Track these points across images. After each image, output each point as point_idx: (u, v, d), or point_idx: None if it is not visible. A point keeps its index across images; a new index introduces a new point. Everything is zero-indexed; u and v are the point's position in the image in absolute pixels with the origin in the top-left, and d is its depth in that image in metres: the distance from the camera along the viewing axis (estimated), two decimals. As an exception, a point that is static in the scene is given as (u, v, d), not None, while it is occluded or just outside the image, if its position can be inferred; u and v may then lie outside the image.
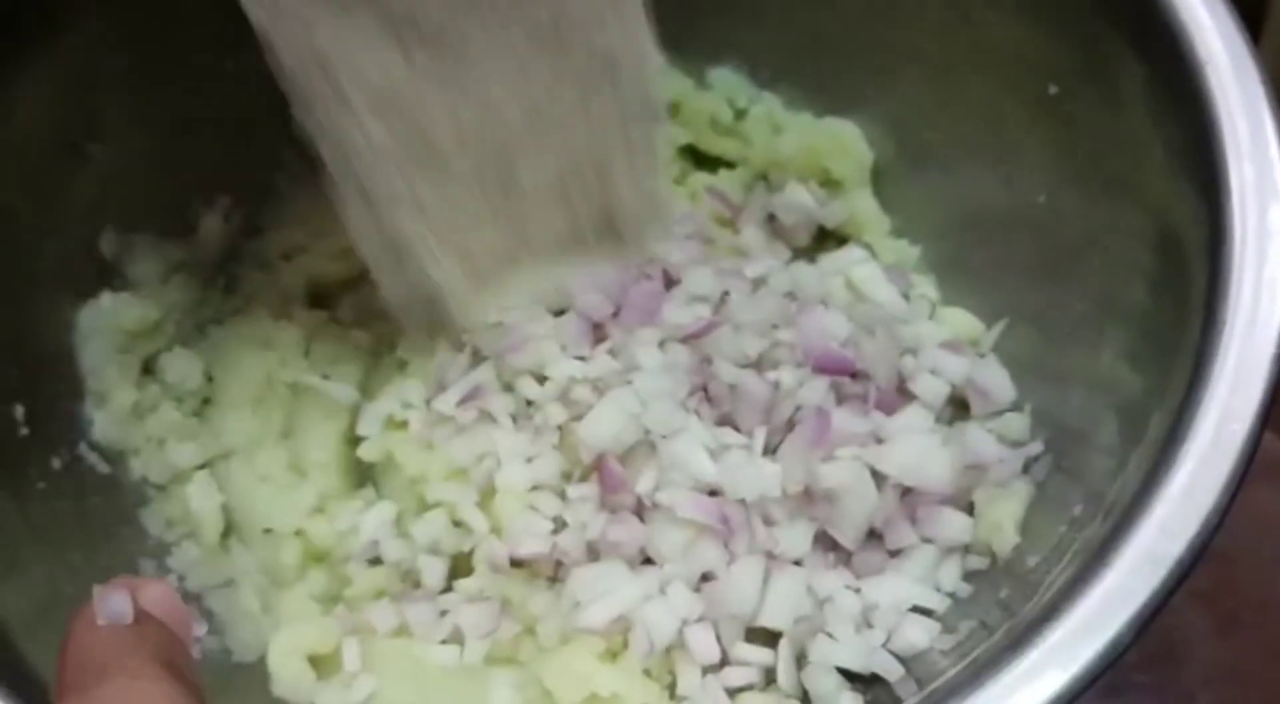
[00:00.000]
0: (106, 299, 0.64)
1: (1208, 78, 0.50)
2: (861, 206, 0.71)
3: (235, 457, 0.65)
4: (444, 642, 0.58)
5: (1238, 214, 0.47)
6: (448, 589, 0.61)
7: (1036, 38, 0.61)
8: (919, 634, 0.54)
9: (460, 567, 0.62)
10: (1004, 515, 0.55)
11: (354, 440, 0.67)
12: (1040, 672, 0.42)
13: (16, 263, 0.60)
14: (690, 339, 0.63)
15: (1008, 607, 0.51)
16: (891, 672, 0.53)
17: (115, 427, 0.62)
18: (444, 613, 0.59)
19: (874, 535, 0.59)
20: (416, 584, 0.62)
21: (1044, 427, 0.59)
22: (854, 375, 0.62)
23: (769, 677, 0.56)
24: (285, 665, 0.57)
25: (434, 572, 0.61)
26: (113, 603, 0.31)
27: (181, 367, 0.65)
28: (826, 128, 0.72)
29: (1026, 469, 0.57)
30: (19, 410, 0.57)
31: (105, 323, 0.64)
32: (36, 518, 0.56)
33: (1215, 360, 0.44)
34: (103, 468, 0.62)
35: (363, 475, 0.67)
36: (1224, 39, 0.51)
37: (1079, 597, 0.43)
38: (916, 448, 0.58)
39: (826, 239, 0.71)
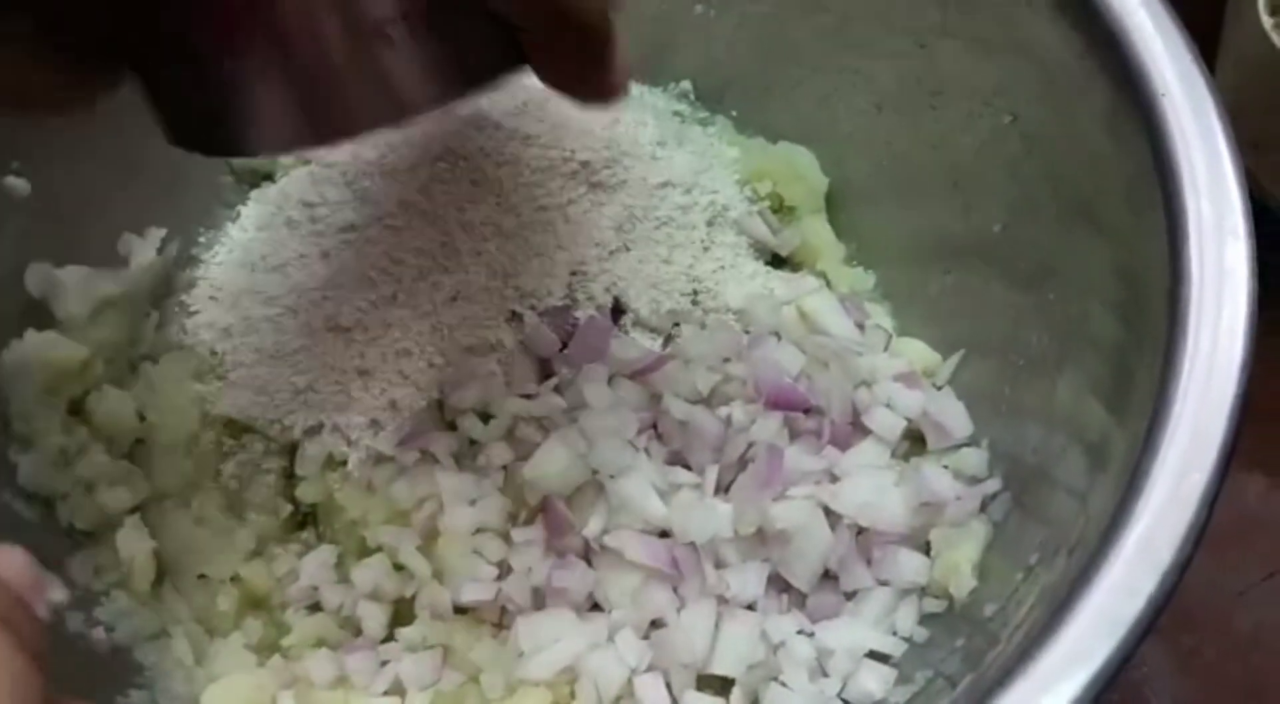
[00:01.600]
0: (31, 337, 0.61)
1: (1164, 110, 0.49)
2: (816, 234, 0.69)
3: (169, 500, 0.63)
4: (385, 693, 0.56)
5: (1195, 254, 0.46)
6: (389, 638, 0.59)
7: (991, 65, 0.60)
8: (875, 683, 0.52)
9: (403, 613, 0.59)
10: (961, 557, 0.54)
11: (294, 480, 0.64)
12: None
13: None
14: (639, 375, 0.61)
15: (968, 657, 0.50)
16: (848, 723, 0.52)
17: (42, 471, 0.60)
18: (385, 663, 0.57)
19: (829, 576, 0.57)
20: (357, 632, 0.59)
21: (1002, 462, 0.58)
22: (807, 410, 0.60)
23: (721, 727, 0.54)
24: (218, 721, 0.55)
25: (375, 619, 0.59)
26: None
27: (112, 407, 0.63)
28: (780, 153, 0.70)
29: (984, 508, 0.56)
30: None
31: (31, 363, 0.61)
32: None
33: (1173, 409, 0.43)
34: (28, 514, 0.59)
35: (302, 518, 0.65)
36: (1180, 71, 0.50)
37: (1037, 655, 0.41)
38: (871, 486, 0.57)
39: (780, 267, 0.69)
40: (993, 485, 0.56)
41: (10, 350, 0.61)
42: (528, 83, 0.67)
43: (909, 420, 0.60)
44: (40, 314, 0.63)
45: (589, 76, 0.46)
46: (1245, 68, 0.69)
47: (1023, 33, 0.57)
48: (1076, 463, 0.51)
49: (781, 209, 0.70)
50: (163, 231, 0.68)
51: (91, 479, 0.61)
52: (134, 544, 0.60)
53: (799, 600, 0.57)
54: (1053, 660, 0.41)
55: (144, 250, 0.68)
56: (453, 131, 0.64)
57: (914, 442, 0.61)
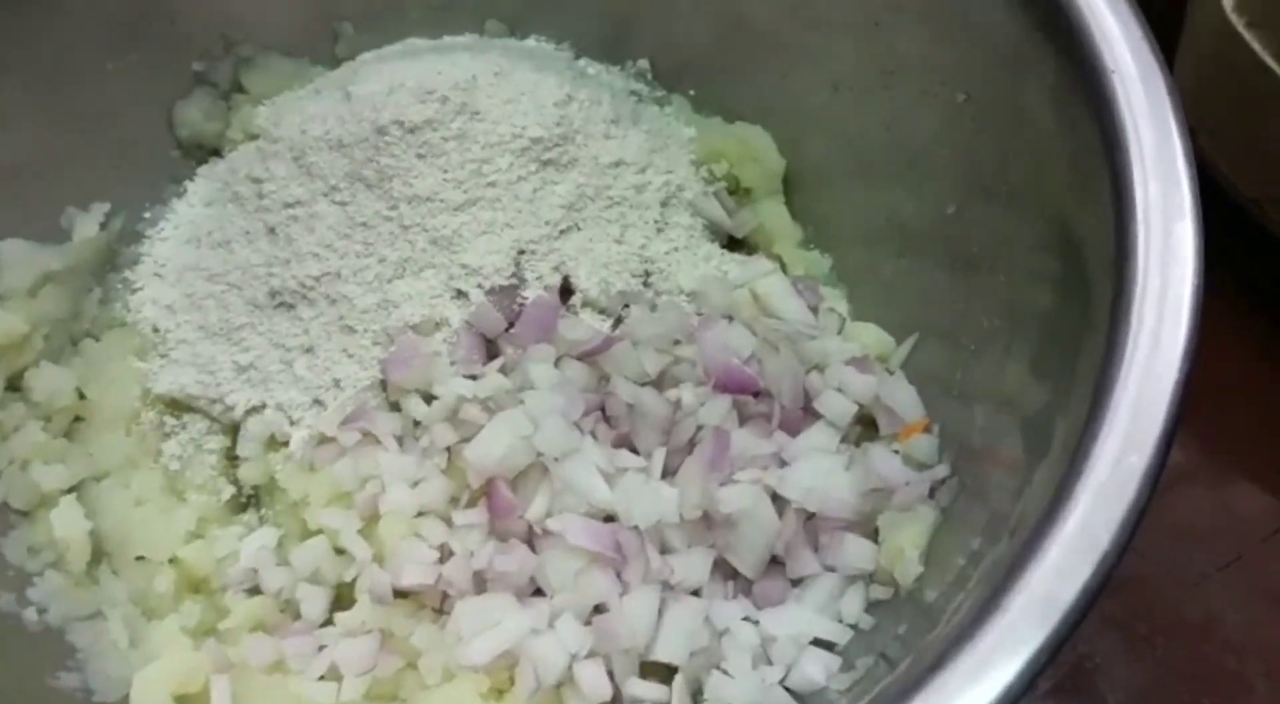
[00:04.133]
0: (-31, 310, 0.60)
1: (1113, 87, 0.48)
2: (772, 216, 0.68)
3: (107, 479, 0.62)
4: (321, 678, 0.55)
5: (1142, 233, 0.45)
6: (329, 622, 0.58)
7: (944, 43, 0.59)
8: (817, 670, 0.51)
9: (343, 597, 0.58)
10: (908, 542, 0.53)
11: (236, 461, 0.63)
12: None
13: None
14: (587, 356, 0.60)
15: (907, 641, 0.49)
16: (788, 710, 0.51)
17: (-29, 447, 0.58)
18: (323, 647, 0.56)
19: (775, 562, 0.56)
20: (297, 616, 0.58)
21: (951, 446, 0.57)
22: (757, 394, 0.59)
23: (664, 713, 0.53)
24: (150, 704, 0.54)
25: (314, 603, 0.58)
26: None
27: (50, 383, 0.61)
28: (737, 133, 0.69)
29: (932, 494, 0.55)
30: None
31: (-33, 336, 0.60)
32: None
33: (1115, 389, 0.42)
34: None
35: (245, 500, 0.63)
36: (1132, 48, 0.49)
37: (971, 640, 0.40)
38: (820, 471, 0.56)
39: (736, 249, 0.68)
40: (941, 471, 0.55)
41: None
42: (480, 57, 0.67)
43: (860, 405, 0.59)
44: (-22, 287, 0.62)
45: None
46: (1206, 57, 0.68)
47: (975, 8, 0.56)
48: (1020, 444, 0.50)
49: (738, 190, 0.69)
50: (106, 206, 0.67)
51: (27, 456, 0.60)
52: (69, 524, 0.58)
53: (745, 587, 0.56)
54: (989, 643, 0.40)
55: (87, 224, 0.66)
56: (401, 103, 0.62)
57: (865, 426, 0.60)
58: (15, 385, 0.61)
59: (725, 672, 0.52)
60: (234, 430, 0.63)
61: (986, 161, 0.57)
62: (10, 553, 0.58)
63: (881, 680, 0.47)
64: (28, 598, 0.57)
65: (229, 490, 0.63)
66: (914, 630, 0.49)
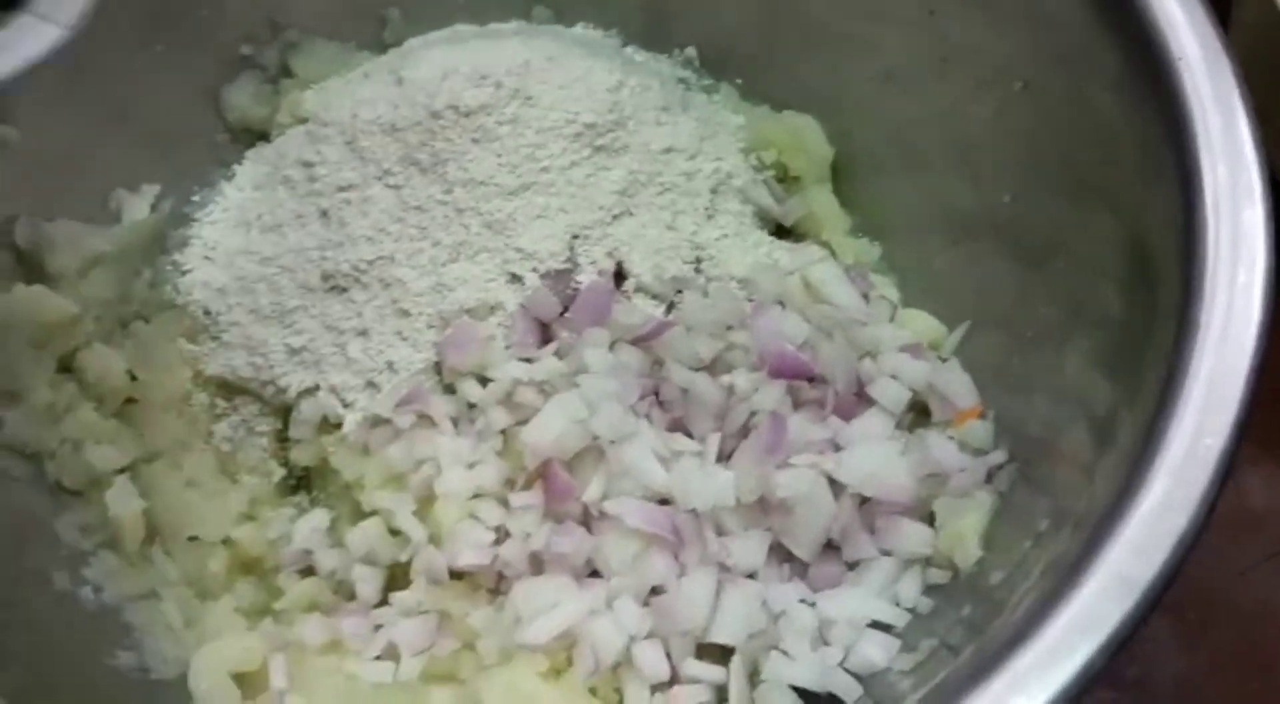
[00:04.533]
0: (20, 291, 0.60)
1: (1180, 75, 0.49)
2: (821, 204, 0.68)
3: (159, 461, 0.62)
4: (378, 658, 0.55)
5: (1211, 217, 0.45)
6: (383, 602, 0.58)
7: (1002, 32, 0.59)
8: (877, 652, 0.52)
9: (397, 578, 0.58)
10: (966, 527, 0.53)
11: (287, 443, 0.63)
12: (1005, 700, 0.40)
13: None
14: (641, 341, 0.60)
15: (972, 625, 0.49)
16: (849, 691, 0.51)
17: (29, 427, 0.59)
18: (379, 627, 0.56)
19: (831, 547, 0.56)
20: (351, 596, 0.58)
21: (1008, 435, 0.57)
22: (811, 380, 0.59)
23: (720, 695, 0.53)
24: (208, 684, 0.54)
25: (369, 583, 0.58)
26: None
27: (102, 364, 0.62)
28: (785, 122, 0.69)
29: (990, 479, 0.55)
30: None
31: (19, 317, 0.60)
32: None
33: (1189, 372, 0.42)
34: (16, 471, 0.58)
35: (296, 481, 0.64)
36: (1198, 35, 0.49)
37: (1047, 620, 0.41)
38: (875, 456, 0.56)
39: (784, 237, 0.68)
40: (998, 457, 0.56)
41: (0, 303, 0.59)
42: (531, 42, 0.67)
43: (914, 391, 0.59)
44: (30, 268, 0.62)
45: None
46: (1254, 37, 0.68)
47: (1034, -1, 0.56)
48: (1084, 433, 0.50)
49: (786, 178, 0.69)
50: (156, 188, 0.68)
51: (80, 437, 0.60)
52: (123, 504, 0.59)
53: (801, 570, 0.56)
54: (1062, 627, 0.40)
55: (137, 207, 0.67)
56: (456, 88, 0.63)
57: (918, 414, 0.60)
58: (67, 367, 0.62)
59: (784, 652, 0.52)
60: (285, 413, 0.64)
61: (1046, 150, 0.57)
62: (64, 532, 0.58)
63: (946, 664, 0.47)
64: (83, 577, 0.57)
65: (280, 472, 0.63)
66: (978, 614, 0.49)
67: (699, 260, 0.65)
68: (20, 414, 0.59)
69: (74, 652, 0.54)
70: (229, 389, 0.65)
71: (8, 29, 0.43)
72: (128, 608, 0.57)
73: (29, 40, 0.43)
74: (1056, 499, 0.50)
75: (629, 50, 0.73)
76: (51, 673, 0.52)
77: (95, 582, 0.57)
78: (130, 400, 0.63)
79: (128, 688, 0.54)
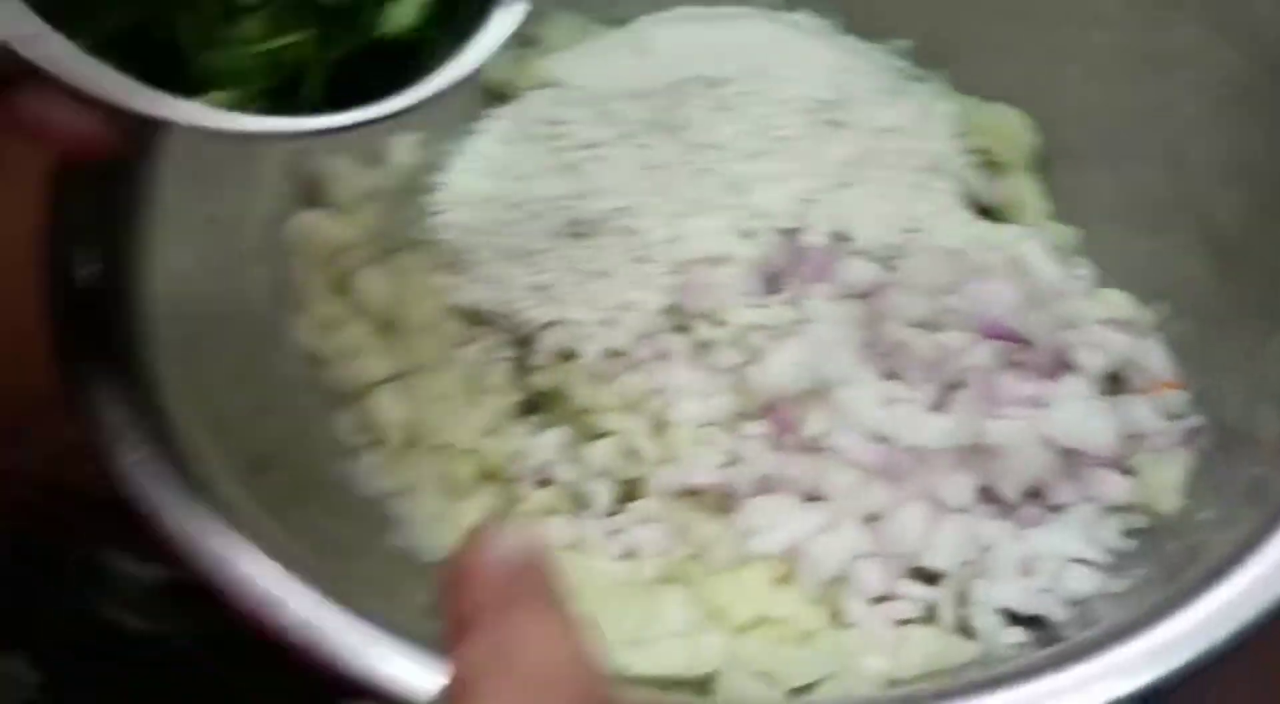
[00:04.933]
0: (306, 215, 0.68)
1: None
2: (1023, 189, 0.74)
3: (416, 375, 0.69)
4: (619, 558, 0.61)
5: None
6: (614, 513, 0.64)
7: (1219, 39, 0.64)
8: (1082, 583, 0.57)
9: (629, 494, 0.65)
10: (1166, 478, 0.58)
11: (526, 369, 0.70)
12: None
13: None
14: (862, 297, 0.66)
15: (1174, 565, 0.54)
16: (1056, 612, 0.56)
17: (313, 335, 0.66)
18: (617, 532, 0.62)
19: (1033, 494, 0.61)
20: (585, 506, 0.65)
21: (1206, 410, 0.61)
22: (1018, 342, 0.65)
23: (929, 614, 0.59)
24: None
25: (604, 495, 0.64)
26: (509, 540, 0.33)
27: (370, 286, 0.69)
28: (994, 111, 0.75)
29: (1188, 441, 0.60)
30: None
31: (303, 238, 0.67)
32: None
33: None
34: (299, 373, 0.65)
35: (532, 404, 0.70)
36: None
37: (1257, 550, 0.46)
38: (1080, 412, 0.61)
39: (988, 218, 0.74)
40: (1196, 421, 0.60)
41: (290, 225, 0.67)
42: (762, 24, 0.74)
43: (1112, 363, 0.64)
44: (312, 198, 0.69)
45: None
46: None
47: (1260, 6, 0.61)
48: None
49: (992, 164, 0.74)
50: (418, 136, 0.75)
51: (354, 347, 0.67)
52: (387, 410, 0.66)
53: (1006, 511, 0.61)
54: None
55: (401, 151, 0.74)
56: (702, 61, 0.69)
57: (1116, 384, 0.65)
58: (342, 287, 0.69)
59: (994, 578, 0.58)
60: (526, 343, 0.70)
61: (1254, 150, 0.62)
62: (340, 430, 0.65)
63: (1151, 594, 0.52)
64: (355, 469, 0.64)
65: (517, 395, 0.70)
66: (1180, 555, 0.54)
67: (913, 230, 0.70)
68: (305, 323, 0.66)
69: (356, 532, 0.61)
70: (475, 320, 0.71)
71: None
72: (391, 500, 0.64)
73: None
74: (1256, 469, 0.55)
75: (848, 39, 0.79)
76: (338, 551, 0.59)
77: (365, 475, 0.64)
78: (391, 321, 0.70)
79: (397, 566, 0.61)
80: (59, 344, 0.52)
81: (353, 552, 0.58)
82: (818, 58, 0.72)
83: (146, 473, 0.47)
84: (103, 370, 0.50)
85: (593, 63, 0.74)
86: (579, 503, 0.65)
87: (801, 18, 0.80)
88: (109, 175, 0.56)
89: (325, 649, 0.45)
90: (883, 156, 0.71)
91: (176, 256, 0.58)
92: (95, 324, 0.53)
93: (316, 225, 0.68)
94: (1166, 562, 0.54)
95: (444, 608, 0.33)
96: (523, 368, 0.70)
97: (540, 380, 0.69)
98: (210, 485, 0.48)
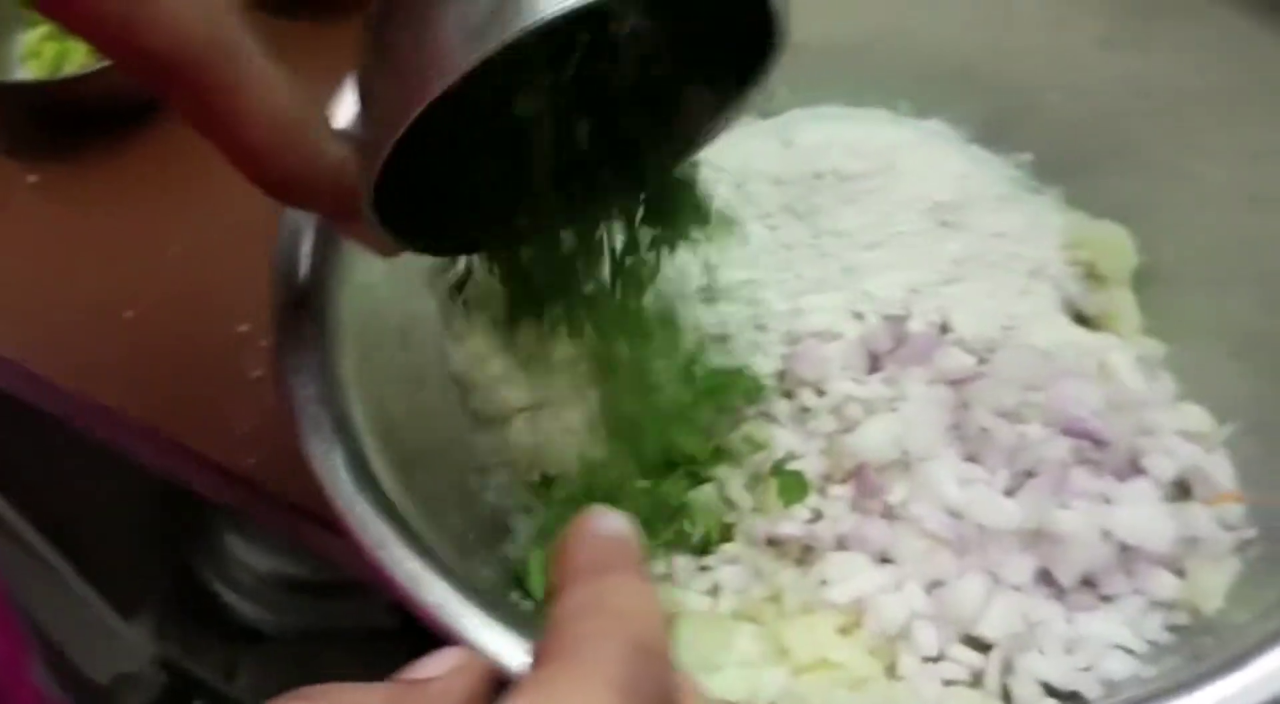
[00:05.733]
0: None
1: None
2: (1119, 302, 0.79)
3: (548, 408, 0.78)
4: (702, 593, 0.69)
5: None
6: (704, 552, 0.72)
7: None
8: (1120, 668, 0.62)
9: (722, 536, 0.72)
10: (1212, 583, 0.63)
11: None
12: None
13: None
14: (955, 384, 0.72)
15: (1203, 657, 0.59)
16: (1092, 690, 0.61)
17: (465, 363, 0.76)
18: (706, 569, 0.70)
19: (1087, 582, 0.67)
20: (680, 543, 0.72)
21: (1261, 521, 0.66)
22: (1095, 443, 0.70)
23: (977, 678, 0.64)
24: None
25: (694, 534, 0.72)
26: (610, 520, 0.41)
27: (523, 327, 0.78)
28: (1100, 228, 0.81)
29: (1240, 551, 0.65)
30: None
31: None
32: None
33: None
34: (446, 399, 0.75)
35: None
36: None
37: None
38: (1144, 513, 0.66)
39: (1083, 326, 0.80)
40: (1250, 533, 0.65)
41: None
42: (896, 127, 0.81)
43: (1181, 471, 0.69)
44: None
45: None
46: None
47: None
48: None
49: (1093, 276, 0.80)
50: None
51: (498, 377, 0.76)
52: (521, 436, 0.75)
53: (1059, 595, 0.67)
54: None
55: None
56: (837, 156, 0.77)
57: (1181, 489, 0.70)
58: (496, 324, 0.78)
59: (1040, 651, 0.63)
60: (647, 389, 0.79)
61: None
62: (478, 449, 0.75)
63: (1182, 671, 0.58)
64: (486, 485, 0.74)
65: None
66: (1212, 649, 0.59)
67: (1010, 328, 0.77)
68: (460, 351, 0.76)
69: (476, 537, 0.70)
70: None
71: None
72: (512, 516, 0.73)
73: None
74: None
75: (973, 147, 0.86)
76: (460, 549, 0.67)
77: (495, 491, 0.73)
78: (531, 356, 0.80)
79: (509, 577, 0.69)
80: (277, 338, 0.61)
81: (476, 553, 0.67)
82: (943, 162, 0.79)
83: (331, 461, 0.56)
84: (307, 366, 0.60)
85: (739, 148, 0.83)
86: (676, 539, 0.73)
87: (934, 124, 0.87)
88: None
89: (454, 628, 0.52)
90: (990, 258, 0.78)
91: (365, 271, 0.67)
92: (306, 321, 0.62)
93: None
94: (1197, 653, 0.59)
95: (550, 574, 0.40)
96: (637, 411, 0.79)
97: (654, 424, 0.77)
98: (377, 479, 0.57)
